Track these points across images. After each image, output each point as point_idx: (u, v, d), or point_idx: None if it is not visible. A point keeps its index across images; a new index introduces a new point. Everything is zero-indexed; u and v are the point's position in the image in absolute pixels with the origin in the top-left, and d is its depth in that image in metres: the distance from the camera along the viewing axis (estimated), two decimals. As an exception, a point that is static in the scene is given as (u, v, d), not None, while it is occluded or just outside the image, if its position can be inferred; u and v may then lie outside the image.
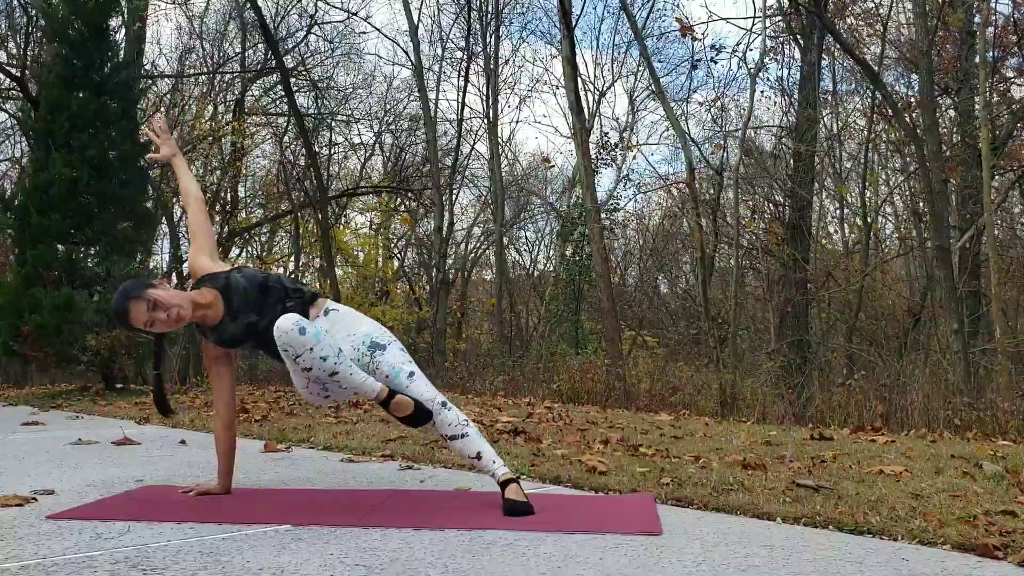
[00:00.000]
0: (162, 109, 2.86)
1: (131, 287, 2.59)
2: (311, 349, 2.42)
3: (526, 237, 22.98)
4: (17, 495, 2.70)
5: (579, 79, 12.93)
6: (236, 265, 2.79)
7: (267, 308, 2.65)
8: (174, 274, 16.18)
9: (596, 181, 15.67)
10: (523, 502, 2.47)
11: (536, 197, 21.59)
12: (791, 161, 14.02)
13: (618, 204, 16.38)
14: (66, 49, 9.21)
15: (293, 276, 2.87)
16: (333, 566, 1.90)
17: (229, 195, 18.17)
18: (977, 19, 9.85)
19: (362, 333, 2.70)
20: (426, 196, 18.07)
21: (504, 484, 2.53)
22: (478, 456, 2.60)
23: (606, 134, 17.41)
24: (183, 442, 4.43)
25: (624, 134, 18.08)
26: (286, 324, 2.41)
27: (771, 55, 13.49)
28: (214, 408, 2.87)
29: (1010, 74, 12.06)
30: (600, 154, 16.18)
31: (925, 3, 9.87)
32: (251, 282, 2.68)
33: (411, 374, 2.65)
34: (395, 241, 21.94)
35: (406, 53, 18.20)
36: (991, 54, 11.09)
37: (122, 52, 10.73)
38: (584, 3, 20.74)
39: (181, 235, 18.75)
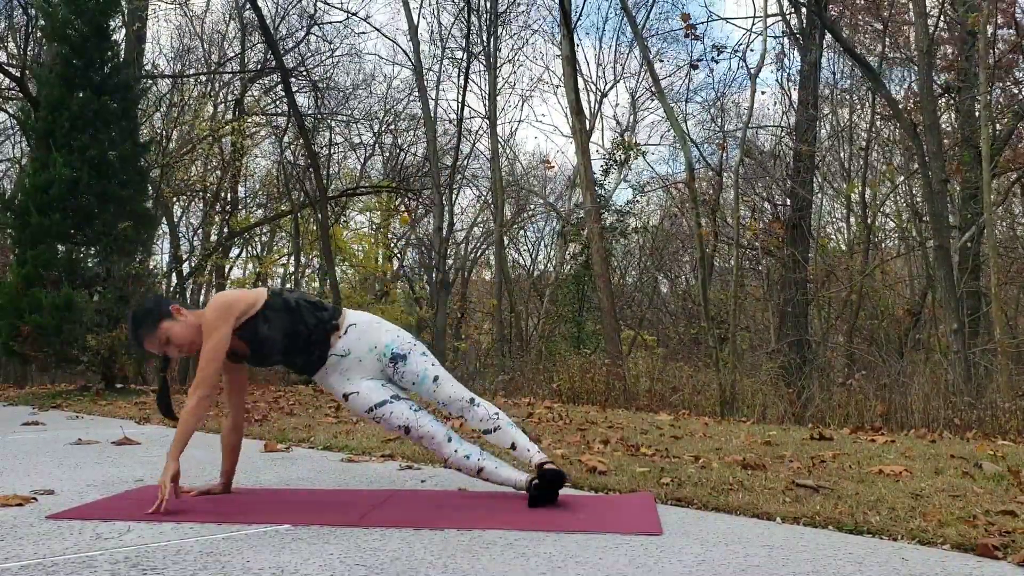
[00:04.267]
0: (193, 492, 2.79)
1: (145, 317, 2.66)
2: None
3: (526, 237, 22.97)
4: (17, 495, 2.70)
5: (580, 79, 12.94)
6: (265, 301, 2.71)
7: (293, 349, 2.75)
8: (174, 274, 16.19)
9: (604, 184, 15.70)
10: (556, 469, 2.60)
11: (536, 197, 21.58)
12: (791, 161, 14.01)
13: (631, 209, 16.31)
14: (66, 49, 9.22)
15: (315, 297, 2.82)
16: (333, 566, 1.90)
17: (229, 195, 18.17)
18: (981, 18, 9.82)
19: (383, 345, 2.78)
20: (426, 196, 18.05)
21: (540, 466, 2.64)
22: (512, 446, 2.72)
23: (620, 135, 17.37)
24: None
25: (625, 134, 18.06)
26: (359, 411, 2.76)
27: (772, 55, 13.49)
28: (226, 408, 2.91)
29: (1019, 75, 12.05)
30: (614, 155, 16.15)
31: (925, 3, 9.86)
32: (282, 332, 2.72)
33: (436, 378, 2.77)
34: (395, 241, 21.94)
35: (406, 53, 18.23)
36: (992, 54, 11.08)
37: (122, 52, 10.72)
38: (584, 3, 20.74)
39: (181, 235, 18.78)
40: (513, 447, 2.72)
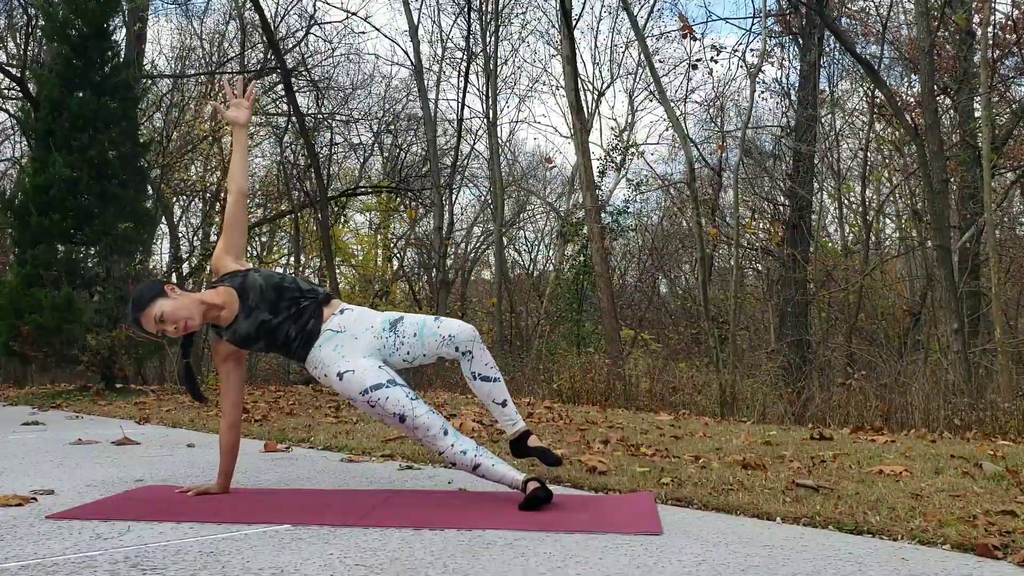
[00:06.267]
0: (256, 84, 2.83)
1: (139, 298, 2.64)
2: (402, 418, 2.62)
3: (526, 237, 22.96)
4: (17, 495, 2.70)
5: (578, 79, 12.92)
6: (254, 266, 2.88)
7: (281, 307, 2.71)
8: (174, 274, 16.20)
9: (600, 185, 15.67)
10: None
11: (536, 197, 21.58)
12: (791, 161, 14.02)
13: (626, 208, 16.24)
14: (66, 49, 9.22)
15: (307, 277, 2.97)
16: (333, 566, 1.90)
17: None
18: (977, 18, 9.84)
19: (379, 321, 2.79)
20: (426, 196, 18.05)
21: (524, 435, 2.66)
22: (504, 403, 2.70)
23: (618, 136, 17.33)
24: (189, 445, 4.43)
25: (624, 134, 18.05)
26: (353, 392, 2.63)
27: (770, 55, 13.49)
28: (220, 407, 2.89)
29: (1011, 74, 12.05)
30: (610, 156, 16.12)
31: (927, 2, 9.86)
32: (267, 281, 2.73)
33: (436, 318, 2.78)
34: (395, 241, 21.93)
35: (406, 53, 18.22)
36: (991, 54, 11.07)
37: (122, 52, 10.72)
38: (584, 3, 20.74)
39: (181, 235, 18.78)
40: (504, 404, 2.69)
